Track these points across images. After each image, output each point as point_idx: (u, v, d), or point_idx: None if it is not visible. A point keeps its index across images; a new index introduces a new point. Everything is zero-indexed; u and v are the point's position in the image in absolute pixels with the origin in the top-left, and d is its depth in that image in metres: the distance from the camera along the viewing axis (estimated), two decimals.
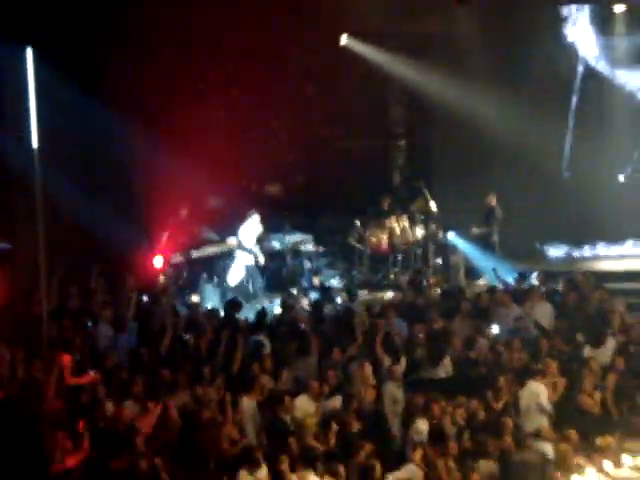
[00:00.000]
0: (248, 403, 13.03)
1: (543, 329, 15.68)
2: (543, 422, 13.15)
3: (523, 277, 17.75)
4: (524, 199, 20.81)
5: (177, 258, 19.60)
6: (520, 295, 16.72)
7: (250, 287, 19.44)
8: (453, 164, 21.72)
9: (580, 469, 11.51)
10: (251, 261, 19.58)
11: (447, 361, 14.50)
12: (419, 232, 20.48)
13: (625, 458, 11.76)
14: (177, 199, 19.47)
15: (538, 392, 13.41)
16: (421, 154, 22.59)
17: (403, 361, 14.26)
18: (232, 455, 11.97)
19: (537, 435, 12.88)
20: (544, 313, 15.97)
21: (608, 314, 15.72)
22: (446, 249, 20.32)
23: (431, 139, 22.66)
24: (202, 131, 19.53)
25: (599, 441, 12.64)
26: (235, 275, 19.61)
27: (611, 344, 14.95)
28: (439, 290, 18.22)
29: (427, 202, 20.45)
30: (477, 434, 12.76)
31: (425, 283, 18.46)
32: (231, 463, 11.76)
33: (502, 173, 21.05)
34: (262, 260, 19.61)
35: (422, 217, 20.50)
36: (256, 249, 19.58)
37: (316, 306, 16.78)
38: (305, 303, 17.61)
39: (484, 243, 19.98)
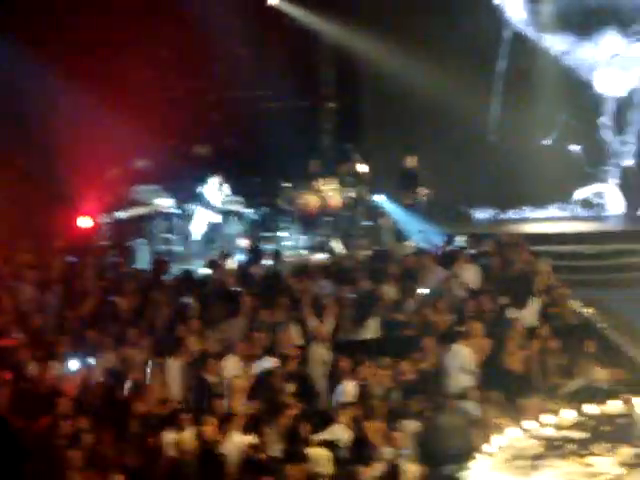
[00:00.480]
0: (174, 364, 12.99)
1: (469, 291, 15.83)
2: (468, 383, 13.29)
3: (450, 239, 17.88)
4: (452, 163, 20.90)
5: (105, 218, 19.40)
6: (447, 257, 16.86)
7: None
8: (382, 126, 21.74)
9: (502, 429, 11.65)
10: (217, 220, 19.68)
11: (374, 322, 14.56)
12: (348, 195, 20.48)
13: (547, 418, 11.93)
14: (104, 159, 19.24)
15: (463, 354, 13.55)
16: (350, 116, 22.54)
17: (330, 322, 14.29)
18: (158, 416, 11.93)
19: (461, 396, 13.02)
20: (471, 275, 16.14)
21: (533, 276, 15.93)
22: (375, 212, 20.39)
23: (360, 101, 22.63)
24: (127, 91, 19.28)
25: (522, 402, 12.82)
26: (197, 232, 19.78)
27: (535, 305, 15.16)
28: (368, 252, 18.28)
29: (356, 165, 20.45)
30: (404, 395, 12.86)
31: (354, 245, 18.50)
32: (156, 424, 11.72)
33: (431, 136, 21.12)
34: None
35: (351, 180, 20.50)
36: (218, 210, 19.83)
37: (244, 267, 16.74)
38: (232, 264, 17.54)
39: (413, 206, 20.09)
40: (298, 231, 20.43)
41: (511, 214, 22.00)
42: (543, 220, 21.52)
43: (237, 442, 11.40)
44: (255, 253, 17.91)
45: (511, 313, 15.06)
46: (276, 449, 11.41)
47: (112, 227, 19.52)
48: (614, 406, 12.39)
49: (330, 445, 11.66)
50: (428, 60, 20.88)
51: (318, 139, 22.86)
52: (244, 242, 19.52)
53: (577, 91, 22.10)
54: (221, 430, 11.54)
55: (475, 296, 15.51)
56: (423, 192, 20.17)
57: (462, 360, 13.48)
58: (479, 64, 21.69)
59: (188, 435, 11.47)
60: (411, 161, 20.23)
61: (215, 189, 20.04)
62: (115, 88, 19.05)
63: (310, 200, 20.42)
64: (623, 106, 22.26)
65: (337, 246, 18.31)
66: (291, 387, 12.73)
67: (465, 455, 10.96)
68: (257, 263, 17.17)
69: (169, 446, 11.40)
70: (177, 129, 20.76)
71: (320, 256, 18.76)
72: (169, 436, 11.50)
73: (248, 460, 11.05)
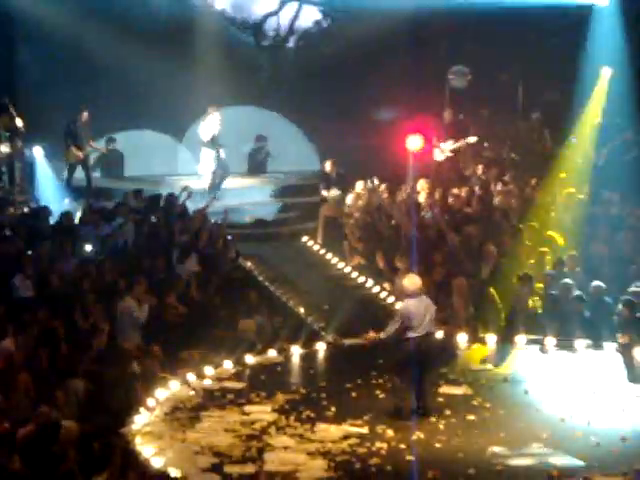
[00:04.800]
0: None
1: (131, 247, 15.81)
2: (136, 338, 13.25)
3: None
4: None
5: None
6: (109, 214, 16.72)
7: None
8: (43, 80, 21.12)
9: (165, 382, 11.77)
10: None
11: (26, 281, 14.10)
12: (4, 149, 19.67)
13: (207, 370, 12.19)
14: None
15: (131, 308, 13.46)
16: (4, 69, 21.67)
17: None
18: None
19: (128, 351, 12.94)
20: (130, 231, 16.09)
21: (199, 231, 16.18)
22: (32, 167, 19.78)
23: (15, 54, 21.81)
24: None
25: (184, 354, 12.98)
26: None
27: (194, 259, 15.35)
28: (25, 209, 17.77)
29: (13, 118, 19.68)
30: (67, 353, 12.63)
31: (10, 202, 17.93)
32: None
33: (104, 92, 20.77)
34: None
35: (7, 134, 19.70)
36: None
37: None
38: None
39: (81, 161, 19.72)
40: None
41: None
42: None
43: None
44: None
45: (177, 268, 15.18)
46: None
47: None
48: (271, 355, 12.91)
49: None
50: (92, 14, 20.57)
51: None
52: None
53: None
54: None
55: (137, 252, 15.49)
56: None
57: (131, 315, 13.39)
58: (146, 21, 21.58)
59: None
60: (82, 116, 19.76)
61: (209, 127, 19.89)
62: None
63: None
64: None
65: None
66: None
67: (128, 410, 10.99)
68: None
69: None
70: None
71: None
72: None
73: None
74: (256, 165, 22.20)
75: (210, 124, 20.04)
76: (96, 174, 20.65)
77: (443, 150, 19.11)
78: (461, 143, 19.08)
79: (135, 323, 13.44)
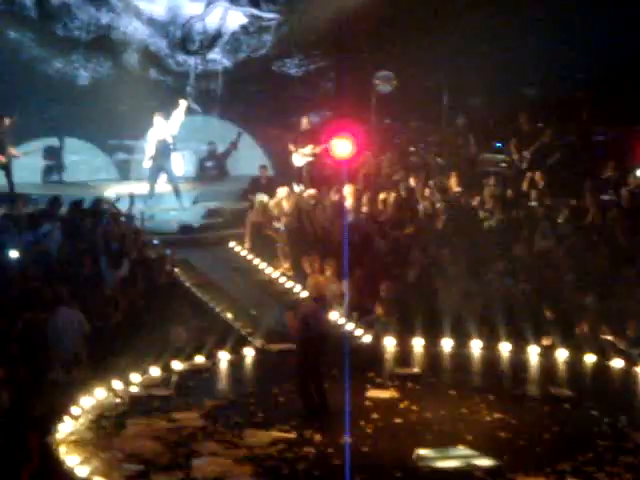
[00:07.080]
0: None
1: (57, 254, 15.63)
2: (79, 346, 13.05)
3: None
4: None
5: None
6: (33, 220, 16.49)
7: None
8: None
9: (90, 390, 11.67)
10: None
11: None
12: None
13: (134, 376, 12.12)
14: None
15: (71, 316, 13.25)
16: None
17: None
18: None
19: (54, 358, 12.77)
20: (57, 238, 15.90)
21: (125, 238, 16.06)
22: None
23: None
24: None
25: (112, 361, 12.86)
26: None
27: (126, 265, 15.23)
28: None
29: None
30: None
31: None
32: None
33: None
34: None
35: None
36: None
37: None
38: None
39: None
40: None
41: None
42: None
43: None
44: None
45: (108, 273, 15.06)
46: None
47: None
48: (198, 361, 12.86)
49: None
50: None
51: None
52: None
53: None
54: None
55: (67, 259, 15.31)
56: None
57: (76, 323, 13.20)
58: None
59: None
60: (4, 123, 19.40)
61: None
62: None
63: None
64: None
65: None
66: None
67: (54, 418, 10.87)
68: None
69: None
70: None
71: None
72: None
73: None
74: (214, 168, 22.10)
75: (156, 130, 19.90)
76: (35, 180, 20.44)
77: (304, 154, 19.29)
78: (321, 147, 19.23)
79: (80, 331, 13.21)
